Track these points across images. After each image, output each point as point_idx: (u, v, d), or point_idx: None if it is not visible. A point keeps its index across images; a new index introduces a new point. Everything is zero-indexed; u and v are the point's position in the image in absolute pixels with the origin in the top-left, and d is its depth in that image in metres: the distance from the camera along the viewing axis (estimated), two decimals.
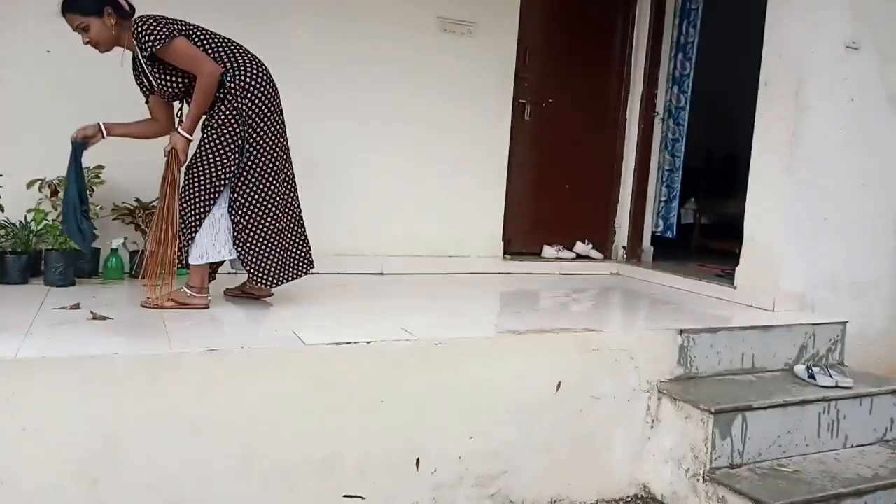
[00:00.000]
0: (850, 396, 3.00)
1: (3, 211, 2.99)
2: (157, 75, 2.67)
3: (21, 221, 3.03)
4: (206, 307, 2.72)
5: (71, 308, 2.54)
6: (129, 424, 2.07)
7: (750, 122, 3.68)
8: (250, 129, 2.66)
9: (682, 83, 4.70)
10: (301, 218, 2.94)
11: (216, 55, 2.65)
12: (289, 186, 2.85)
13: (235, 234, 2.71)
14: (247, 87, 2.65)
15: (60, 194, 3.03)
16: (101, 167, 3.12)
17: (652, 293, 4.00)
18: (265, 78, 2.72)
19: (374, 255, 3.99)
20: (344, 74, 3.84)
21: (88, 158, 3.09)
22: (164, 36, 2.54)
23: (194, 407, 2.16)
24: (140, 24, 2.56)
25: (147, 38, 2.54)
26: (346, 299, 3.25)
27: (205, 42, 2.65)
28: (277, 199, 2.75)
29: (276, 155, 2.75)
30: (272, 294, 2.96)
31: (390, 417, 2.43)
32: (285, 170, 2.83)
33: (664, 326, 3.00)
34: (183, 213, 2.65)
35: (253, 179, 2.70)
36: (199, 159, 2.65)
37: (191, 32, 2.64)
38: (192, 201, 2.64)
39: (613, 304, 3.83)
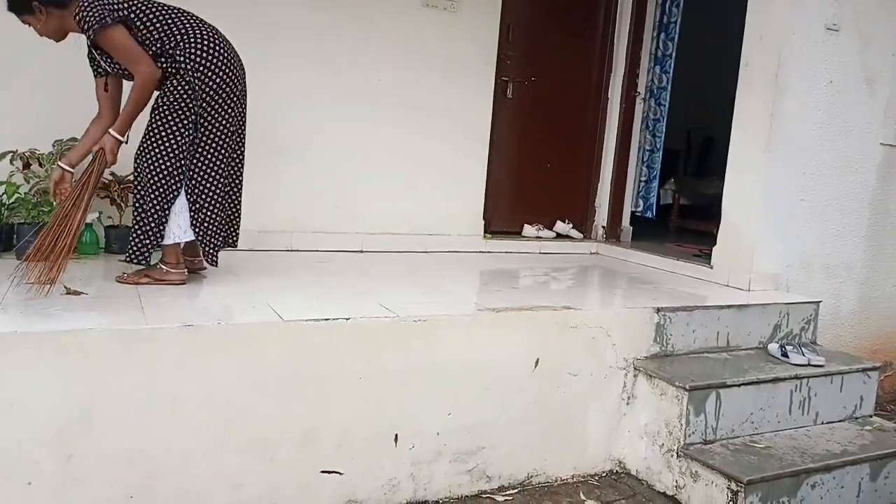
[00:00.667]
0: (821, 374, 3.06)
1: None
2: (104, 58, 2.56)
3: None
4: (183, 283, 2.70)
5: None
6: (105, 399, 2.06)
7: (730, 104, 3.70)
8: (205, 105, 2.57)
9: (664, 63, 4.70)
10: (240, 191, 2.89)
11: (165, 32, 2.52)
12: (237, 159, 2.82)
13: (192, 213, 2.65)
14: (200, 60, 2.54)
15: (33, 167, 2.98)
16: (74, 139, 3.05)
17: (630, 272, 4.03)
18: (221, 50, 2.60)
19: (354, 232, 3.98)
20: (323, 47, 3.79)
21: (63, 131, 3.05)
22: (98, 19, 2.40)
23: (171, 381, 2.14)
24: (80, 6, 2.42)
25: (84, 23, 2.42)
26: (325, 276, 3.23)
27: (153, 20, 2.51)
28: (226, 174, 2.74)
29: (230, 131, 2.69)
30: (206, 267, 2.90)
31: (369, 393, 2.44)
32: (237, 144, 2.79)
33: (641, 305, 3.03)
34: (147, 199, 2.57)
35: (208, 158, 2.64)
36: (151, 141, 2.55)
37: (137, 11, 2.50)
38: (157, 186, 2.55)
39: (592, 283, 3.85)
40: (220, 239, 2.77)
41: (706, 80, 5.50)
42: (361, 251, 3.95)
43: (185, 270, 2.73)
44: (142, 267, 2.69)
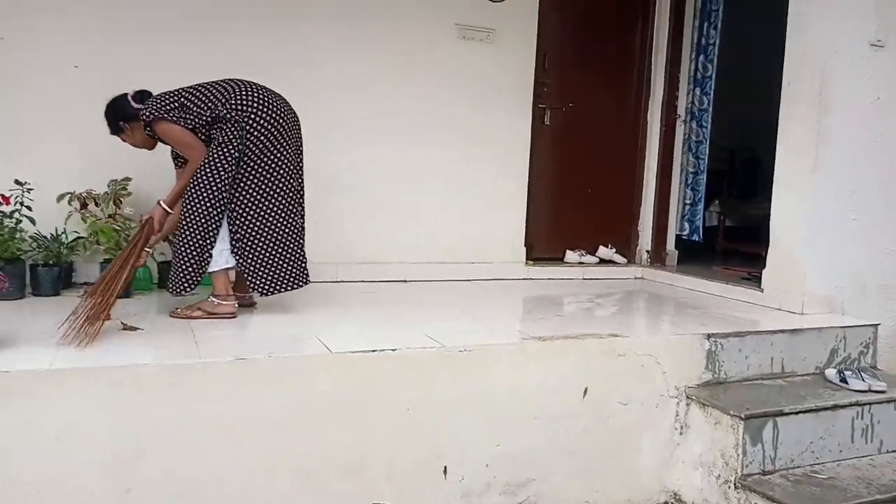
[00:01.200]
0: (884, 400, 2.94)
1: (34, 224, 3.05)
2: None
3: (52, 234, 3.08)
4: (234, 315, 2.76)
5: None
6: (158, 432, 2.10)
7: (773, 123, 3.64)
8: (248, 143, 2.70)
9: (704, 85, 4.66)
10: (303, 232, 2.95)
11: (213, 100, 2.71)
12: (291, 201, 2.84)
13: (233, 242, 2.75)
14: (244, 105, 2.71)
15: (89, 207, 3.09)
16: (127, 179, 3.17)
17: (677, 297, 3.96)
18: (267, 99, 2.76)
19: (398, 262, 4.01)
20: (364, 80, 3.87)
21: (116, 170, 3.17)
22: (152, 113, 2.71)
23: (222, 413, 2.17)
24: (142, 113, 2.74)
25: (143, 120, 2.75)
26: (370, 307, 3.26)
27: (201, 98, 2.72)
28: (274, 211, 2.78)
29: (274, 169, 2.77)
30: (255, 304, 2.99)
31: (417, 424, 2.43)
32: (287, 184, 2.82)
33: (691, 331, 2.97)
34: (187, 230, 2.66)
35: (249, 191, 2.73)
36: (197, 177, 2.67)
37: (191, 98, 2.72)
38: (196, 218, 2.66)
39: (638, 309, 3.80)
40: (268, 270, 2.80)
41: (748, 99, 5.43)
42: (406, 280, 3.98)
43: (236, 303, 2.79)
44: (192, 301, 2.76)
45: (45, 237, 3.07)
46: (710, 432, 2.75)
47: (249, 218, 2.74)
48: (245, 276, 2.81)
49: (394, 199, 3.98)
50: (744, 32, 5.25)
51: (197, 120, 2.71)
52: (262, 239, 2.77)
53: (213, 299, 2.75)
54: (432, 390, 2.46)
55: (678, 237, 4.79)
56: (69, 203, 3.08)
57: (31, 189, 3.01)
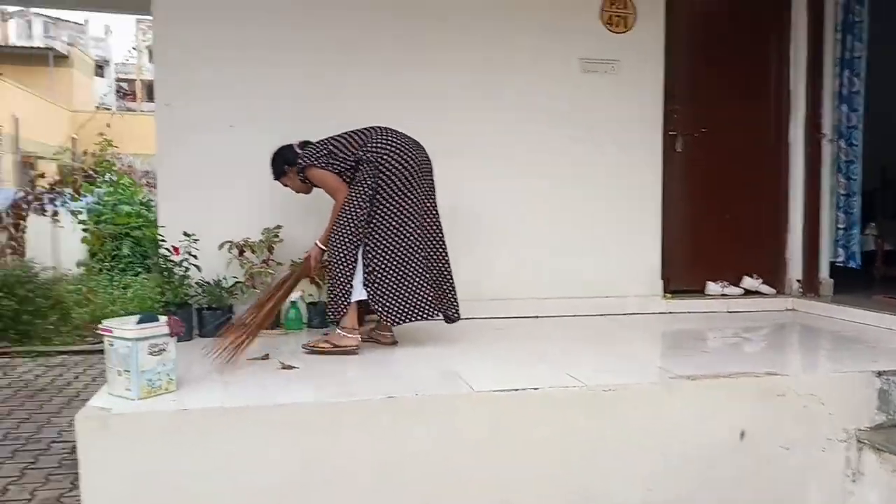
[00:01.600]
0: None
1: (200, 271, 3.34)
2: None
3: (214, 280, 3.36)
4: (357, 347, 2.90)
5: (262, 359, 2.77)
6: (318, 467, 2.21)
7: None
8: (380, 181, 2.90)
9: (852, 101, 4.35)
10: (443, 267, 3.09)
11: (355, 146, 2.98)
12: (419, 236, 2.97)
13: (366, 275, 2.89)
14: (379, 147, 2.94)
15: (246, 254, 3.35)
16: (279, 227, 3.41)
17: (836, 330, 3.66)
18: (400, 142, 2.97)
19: (530, 297, 4.00)
20: (489, 116, 3.94)
21: (269, 219, 3.42)
22: (305, 160, 3.02)
23: (374, 451, 2.26)
24: (303, 151, 3.08)
25: (298, 166, 3.07)
26: (504, 343, 3.27)
27: (347, 145, 2.99)
28: (403, 245, 2.92)
29: (404, 206, 2.92)
30: (396, 342, 3.09)
31: (562, 465, 2.40)
32: (415, 220, 2.96)
33: (858, 368, 2.73)
34: (333, 265, 2.90)
35: (380, 227, 2.90)
36: (338, 215, 2.93)
37: (337, 145, 3.00)
38: (339, 253, 2.89)
39: (793, 344, 3.55)
40: (394, 301, 2.90)
41: None
42: (537, 317, 3.96)
43: (359, 338, 2.93)
44: (324, 335, 3.02)
45: (208, 283, 3.35)
46: (888, 480, 2.49)
47: (379, 251, 2.89)
48: (373, 306, 2.91)
49: (522, 233, 3.99)
50: (892, 42, 4.85)
51: (342, 164, 2.98)
52: (390, 271, 2.90)
53: (340, 332, 2.92)
54: (576, 431, 2.42)
55: (832, 264, 4.44)
56: (228, 251, 3.35)
57: (197, 240, 3.31)
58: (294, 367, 2.65)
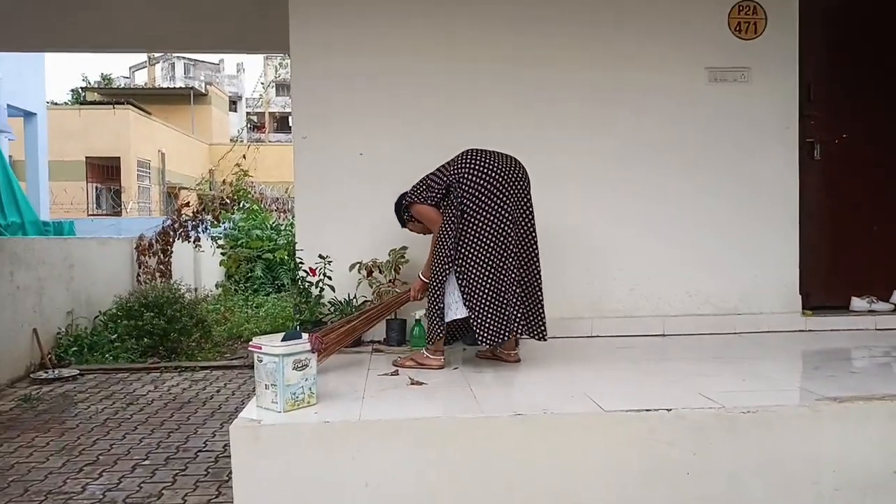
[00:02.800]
0: None
1: (333, 291, 3.53)
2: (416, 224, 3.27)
3: (345, 298, 3.53)
4: (441, 367, 2.97)
5: (392, 375, 2.88)
6: (448, 481, 2.25)
7: None
8: (465, 200, 2.93)
9: None
10: (534, 286, 3.04)
11: (446, 174, 3.03)
12: (512, 252, 2.94)
13: (463, 295, 2.92)
14: (461, 168, 2.98)
15: (374, 274, 3.50)
16: (404, 248, 3.54)
17: None
18: (484, 160, 2.98)
19: (654, 315, 3.90)
20: (608, 131, 3.90)
21: (395, 241, 3.55)
22: (409, 198, 3.14)
23: (504, 468, 2.27)
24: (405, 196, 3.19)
25: (405, 200, 3.18)
26: (632, 362, 3.20)
27: (439, 177, 3.05)
28: (498, 264, 2.90)
29: (492, 223, 2.91)
30: (519, 360, 3.11)
31: (698, 490, 2.31)
32: (506, 237, 2.93)
33: None
34: (432, 288, 2.98)
35: (469, 246, 2.92)
36: (434, 242, 3.03)
37: (433, 177, 3.07)
38: (435, 276, 2.95)
39: None
40: (490, 321, 2.89)
41: None
42: (664, 335, 3.84)
43: (443, 358, 3.00)
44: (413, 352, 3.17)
45: (340, 301, 3.53)
46: None
47: (471, 271, 2.90)
48: (473, 325, 2.91)
49: (645, 249, 3.90)
50: None
51: (437, 195, 3.04)
52: (483, 291, 2.89)
53: (424, 352, 3.01)
54: (714, 455, 2.32)
55: None
56: (358, 271, 3.51)
57: (331, 262, 3.51)
58: (422, 384, 2.73)
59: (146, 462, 3.76)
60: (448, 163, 3.08)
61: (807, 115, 4.00)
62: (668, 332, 3.86)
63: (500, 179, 2.95)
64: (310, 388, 2.38)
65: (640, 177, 3.91)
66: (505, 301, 2.91)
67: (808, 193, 3.99)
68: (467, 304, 2.91)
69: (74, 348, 6.46)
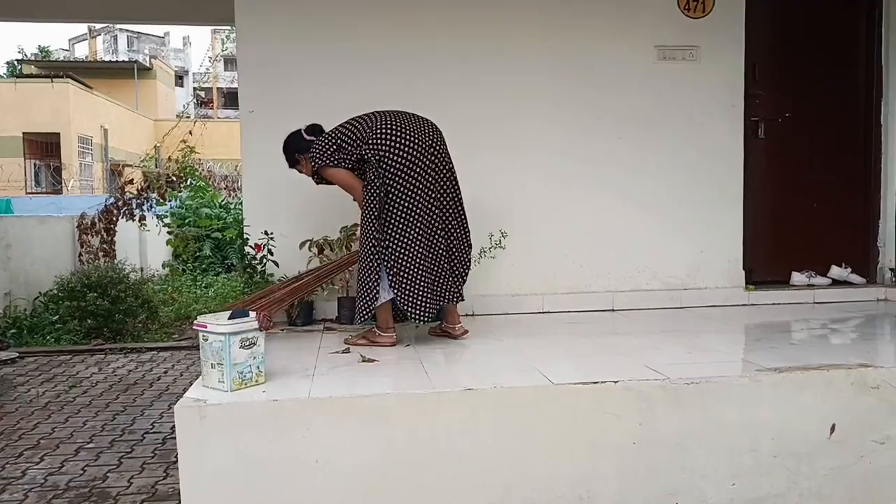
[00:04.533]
0: None
1: (277, 266, 3.48)
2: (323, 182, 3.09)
3: (295, 276, 3.47)
4: (393, 344, 2.94)
5: (343, 352, 2.85)
6: (399, 456, 2.25)
7: None
8: (389, 180, 2.82)
9: None
10: (461, 249, 3.01)
11: (357, 139, 2.89)
12: (437, 228, 2.89)
13: (390, 276, 2.85)
14: (378, 144, 2.84)
15: (325, 252, 3.45)
16: (356, 225, 3.48)
17: None
18: (400, 131, 2.86)
19: (604, 290, 3.96)
20: (562, 111, 3.92)
21: (347, 219, 3.50)
22: (317, 161, 2.94)
23: (454, 442, 2.28)
24: (310, 153, 2.98)
25: (312, 160, 2.98)
26: (582, 337, 3.25)
27: (351, 140, 2.90)
28: (421, 242, 2.85)
29: (418, 199, 2.84)
30: (466, 332, 3.08)
31: (644, 459, 2.36)
32: (437, 209, 2.89)
33: None
34: (360, 267, 2.89)
35: (396, 226, 2.84)
36: (361, 219, 2.93)
37: (343, 137, 2.91)
38: (363, 255, 2.88)
39: (885, 335, 3.37)
40: (430, 298, 2.87)
41: None
42: (613, 310, 3.91)
43: (394, 335, 2.95)
44: (364, 329, 3.05)
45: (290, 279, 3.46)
46: None
47: (399, 251, 2.83)
48: (403, 306, 2.86)
49: (597, 225, 3.96)
50: None
51: (350, 159, 2.91)
52: (413, 270, 2.83)
53: (376, 329, 2.97)
54: (659, 425, 2.38)
55: None
56: (309, 249, 3.46)
57: (272, 237, 3.45)
58: (374, 361, 2.71)
59: (90, 445, 3.65)
60: (357, 125, 2.93)
61: (752, 95, 4.10)
62: (618, 307, 3.93)
63: (423, 151, 2.87)
64: (258, 367, 2.34)
65: (588, 155, 3.95)
66: (434, 278, 2.88)
67: (751, 171, 4.10)
68: (394, 285, 2.84)
69: (13, 330, 6.22)
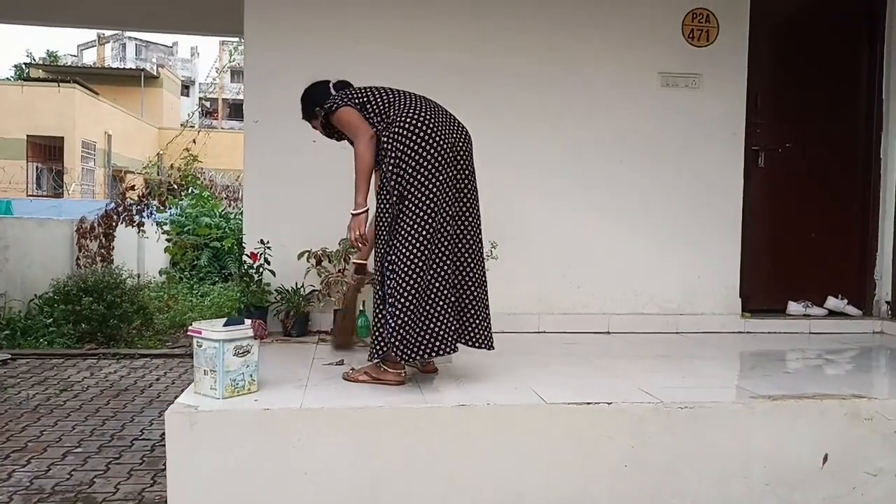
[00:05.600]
0: None
1: (274, 275, 3.47)
2: (336, 137, 2.72)
3: (293, 287, 3.48)
4: (401, 383, 2.52)
5: (336, 364, 2.85)
6: (390, 471, 2.24)
7: None
8: (403, 181, 2.43)
9: None
10: (475, 288, 2.58)
11: (383, 112, 2.52)
12: (452, 252, 2.50)
13: (377, 296, 2.46)
14: (401, 133, 2.46)
15: (323, 263, 3.45)
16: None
17: None
18: (431, 125, 2.48)
19: (601, 313, 3.96)
20: (562, 134, 3.95)
21: (344, 230, 3.50)
22: (333, 105, 2.57)
23: (447, 457, 2.27)
24: (328, 103, 2.61)
25: (328, 106, 2.60)
26: (577, 357, 3.24)
27: (377, 109, 2.54)
28: (428, 265, 2.42)
29: (432, 216, 2.43)
30: (436, 370, 2.74)
31: (636, 481, 2.35)
32: (445, 234, 2.48)
33: None
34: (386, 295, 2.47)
35: (405, 242, 2.41)
36: (377, 224, 2.52)
37: (372, 100, 2.55)
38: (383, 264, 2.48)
39: (881, 367, 3.37)
40: (420, 336, 2.44)
41: None
42: (608, 332, 3.91)
43: (403, 372, 2.53)
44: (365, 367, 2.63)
45: (287, 290, 3.47)
46: None
47: (402, 272, 2.40)
48: (386, 334, 2.45)
49: (595, 249, 3.97)
50: None
51: (370, 118, 2.53)
52: (409, 295, 2.40)
53: (382, 366, 2.54)
54: (651, 448, 2.37)
55: None
56: (307, 260, 3.46)
57: (269, 247, 3.46)
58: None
59: (78, 450, 3.61)
60: (387, 98, 2.55)
61: (753, 123, 4.13)
62: (614, 329, 3.93)
63: (445, 152, 2.46)
64: (251, 376, 2.33)
65: (594, 179, 3.97)
66: (432, 310, 2.43)
67: (750, 200, 4.11)
68: (389, 305, 2.42)
69: (7, 332, 6.19)
